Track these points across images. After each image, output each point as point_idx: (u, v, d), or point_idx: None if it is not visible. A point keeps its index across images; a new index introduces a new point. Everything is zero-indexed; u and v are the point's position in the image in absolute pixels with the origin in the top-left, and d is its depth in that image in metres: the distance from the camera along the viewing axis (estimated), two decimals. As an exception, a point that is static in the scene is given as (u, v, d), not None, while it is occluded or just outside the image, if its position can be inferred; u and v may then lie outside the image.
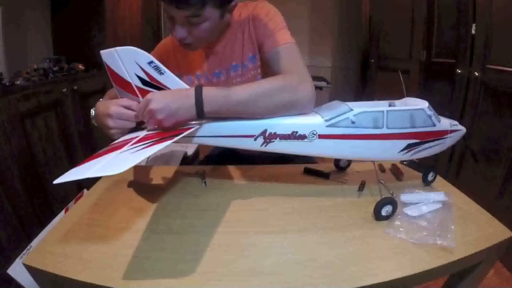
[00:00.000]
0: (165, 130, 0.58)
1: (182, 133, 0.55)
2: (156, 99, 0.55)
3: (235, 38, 0.77)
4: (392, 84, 2.23)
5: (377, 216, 0.60)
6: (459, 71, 1.61)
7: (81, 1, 1.86)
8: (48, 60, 1.65)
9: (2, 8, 1.42)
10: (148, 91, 0.58)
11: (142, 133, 0.57)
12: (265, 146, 0.60)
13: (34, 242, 0.66)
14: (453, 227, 0.56)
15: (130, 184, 0.76)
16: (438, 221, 0.58)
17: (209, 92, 0.57)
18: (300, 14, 3.06)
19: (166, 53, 0.82)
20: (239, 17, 0.76)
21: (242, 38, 0.76)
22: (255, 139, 0.60)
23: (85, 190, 0.81)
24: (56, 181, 0.41)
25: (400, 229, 0.57)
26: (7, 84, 1.25)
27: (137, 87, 0.59)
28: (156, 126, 0.58)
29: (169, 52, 0.82)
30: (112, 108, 0.58)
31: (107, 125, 0.59)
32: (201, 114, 0.57)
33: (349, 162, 0.83)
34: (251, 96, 0.58)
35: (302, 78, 0.63)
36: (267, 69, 0.73)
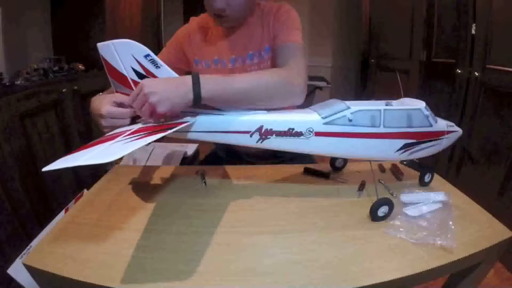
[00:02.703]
0: (160, 123, 0.57)
1: (176, 126, 0.54)
2: (150, 83, 0.54)
3: (255, 28, 0.81)
4: (391, 84, 2.23)
5: (374, 217, 0.60)
6: (459, 71, 1.61)
7: (81, 1, 1.86)
8: (48, 60, 1.65)
9: (2, 8, 1.42)
10: None
11: (135, 126, 0.57)
12: (261, 142, 0.60)
13: (34, 242, 0.66)
14: (453, 227, 0.56)
15: (130, 184, 0.76)
16: (438, 221, 0.58)
17: (206, 78, 0.57)
18: (300, 14, 3.06)
19: (186, 37, 0.86)
20: (262, 11, 0.82)
21: (261, 30, 0.81)
22: (251, 136, 0.59)
23: (85, 190, 0.81)
24: (45, 169, 0.39)
25: (400, 229, 0.57)
26: (7, 84, 1.25)
27: (132, 80, 0.59)
28: (150, 115, 0.56)
29: (189, 36, 0.86)
30: (103, 109, 0.58)
31: (101, 124, 0.59)
32: (197, 99, 0.56)
33: (345, 162, 0.83)
34: (249, 86, 0.60)
35: (298, 74, 0.67)
36: (273, 61, 0.78)
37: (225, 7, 0.70)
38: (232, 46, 0.83)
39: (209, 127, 0.59)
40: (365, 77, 2.90)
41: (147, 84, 0.54)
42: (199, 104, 0.57)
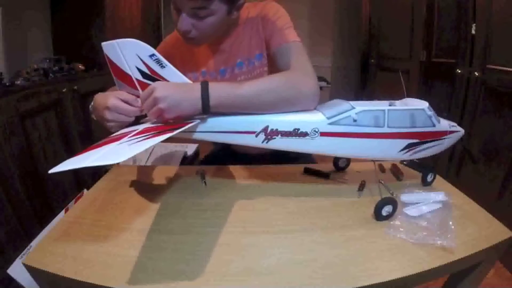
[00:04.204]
0: (166, 124, 0.57)
1: (182, 127, 0.54)
2: (161, 87, 0.54)
3: (243, 36, 0.78)
4: (392, 84, 2.23)
5: (378, 216, 0.60)
6: (459, 71, 1.61)
7: (81, 1, 1.86)
8: (48, 60, 1.65)
9: (2, 8, 1.42)
10: (148, 85, 0.58)
11: (141, 127, 0.57)
12: (266, 143, 0.60)
13: (34, 242, 0.66)
14: (453, 227, 0.56)
15: (130, 184, 0.76)
16: (438, 221, 0.58)
17: (215, 87, 0.57)
18: (300, 14, 3.06)
19: (172, 48, 0.82)
20: (247, 16, 0.77)
21: (249, 36, 0.77)
22: (256, 136, 0.59)
23: (85, 190, 0.81)
24: (51, 171, 0.40)
25: (400, 229, 0.57)
26: (7, 84, 1.25)
27: (137, 80, 0.59)
28: (157, 118, 0.57)
29: (174, 47, 0.82)
30: (110, 101, 0.57)
31: (105, 117, 0.58)
32: (206, 108, 0.56)
33: (348, 161, 0.83)
34: (256, 92, 0.59)
35: (306, 74, 0.64)
36: (273, 66, 0.74)
37: (191, 29, 0.66)
38: (220, 57, 0.80)
39: (215, 127, 0.59)
40: (365, 77, 2.90)
41: (158, 88, 0.54)
42: (208, 112, 0.57)
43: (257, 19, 0.76)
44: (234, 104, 0.58)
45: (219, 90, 0.57)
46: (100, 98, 0.61)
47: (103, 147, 0.48)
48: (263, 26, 0.75)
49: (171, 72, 0.59)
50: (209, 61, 0.81)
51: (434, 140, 0.66)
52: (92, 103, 0.65)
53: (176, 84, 0.58)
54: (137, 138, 0.50)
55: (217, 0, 0.62)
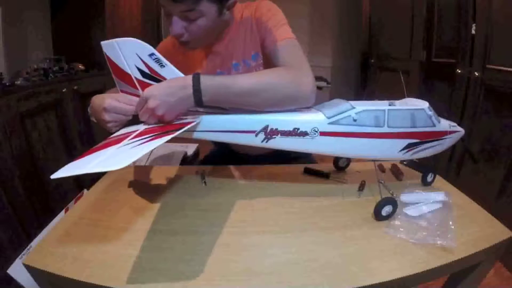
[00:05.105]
0: (166, 124, 0.57)
1: (182, 127, 0.54)
2: (153, 96, 0.54)
3: (237, 37, 0.77)
4: (392, 84, 2.23)
5: (378, 216, 0.60)
6: (459, 71, 1.61)
7: (81, 1, 1.86)
8: (48, 60, 1.65)
9: (2, 8, 1.42)
10: (148, 84, 0.57)
11: (141, 127, 0.57)
12: (266, 142, 0.60)
13: (34, 242, 0.66)
14: (453, 227, 0.56)
15: (130, 184, 0.76)
16: (438, 221, 0.58)
17: (208, 81, 0.56)
18: (300, 14, 3.06)
19: (166, 53, 0.81)
20: (241, 17, 0.77)
21: (244, 37, 0.77)
22: (256, 135, 0.59)
23: (85, 190, 0.81)
24: (53, 176, 0.40)
25: (400, 229, 0.57)
26: (7, 84, 1.25)
27: (136, 79, 0.59)
28: (158, 121, 0.57)
29: (169, 52, 0.81)
30: (107, 102, 0.57)
31: (103, 119, 0.58)
32: (200, 103, 0.56)
33: (348, 161, 0.83)
34: (253, 88, 0.58)
35: (304, 72, 0.64)
36: (269, 65, 0.74)
37: (183, 32, 0.66)
38: (217, 60, 0.79)
39: (215, 126, 0.59)
40: (365, 77, 2.90)
41: (150, 99, 0.54)
42: (202, 106, 0.57)
43: (251, 19, 0.76)
44: (230, 99, 0.58)
45: (213, 86, 0.56)
46: (97, 101, 0.60)
47: (104, 150, 0.47)
48: (257, 26, 0.75)
49: (170, 71, 0.58)
50: (204, 65, 0.81)
51: (434, 140, 0.66)
52: (90, 105, 0.65)
53: (166, 86, 0.56)
54: (137, 140, 0.50)
55: (205, 1, 0.62)
